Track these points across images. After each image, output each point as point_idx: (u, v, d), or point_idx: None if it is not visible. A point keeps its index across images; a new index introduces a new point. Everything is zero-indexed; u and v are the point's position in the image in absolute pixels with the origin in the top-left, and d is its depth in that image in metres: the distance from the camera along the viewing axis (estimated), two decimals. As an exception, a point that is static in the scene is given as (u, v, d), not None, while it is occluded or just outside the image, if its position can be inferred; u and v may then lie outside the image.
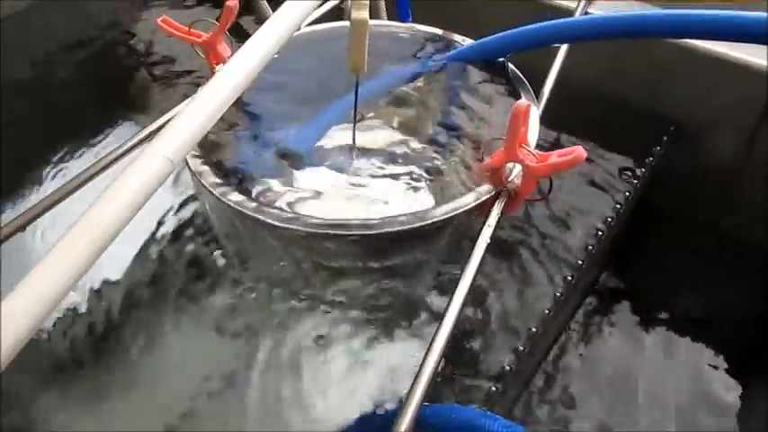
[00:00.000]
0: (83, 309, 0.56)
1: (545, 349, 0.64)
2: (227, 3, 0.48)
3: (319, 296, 0.48)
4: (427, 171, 0.44)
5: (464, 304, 0.37)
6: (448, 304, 0.36)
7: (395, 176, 0.44)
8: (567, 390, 0.64)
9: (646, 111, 0.67)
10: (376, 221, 0.39)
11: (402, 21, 0.58)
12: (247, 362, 0.49)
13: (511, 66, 0.52)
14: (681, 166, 0.68)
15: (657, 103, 0.67)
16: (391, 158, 0.45)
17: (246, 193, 0.41)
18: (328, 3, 0.62)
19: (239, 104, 0.49)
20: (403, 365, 0.48)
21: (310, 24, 0.57)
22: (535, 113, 0.47)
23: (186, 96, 0.42)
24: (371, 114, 0.49)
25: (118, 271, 0.57)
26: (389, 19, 0.60)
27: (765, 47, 0.58)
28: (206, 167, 0.43)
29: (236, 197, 0.40)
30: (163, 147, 0.27)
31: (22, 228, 0.44)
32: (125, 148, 0.48)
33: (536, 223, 0.57)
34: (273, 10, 0.39)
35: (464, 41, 0.54)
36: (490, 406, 0.46)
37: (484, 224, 0.40)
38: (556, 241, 0.55)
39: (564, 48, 0.55)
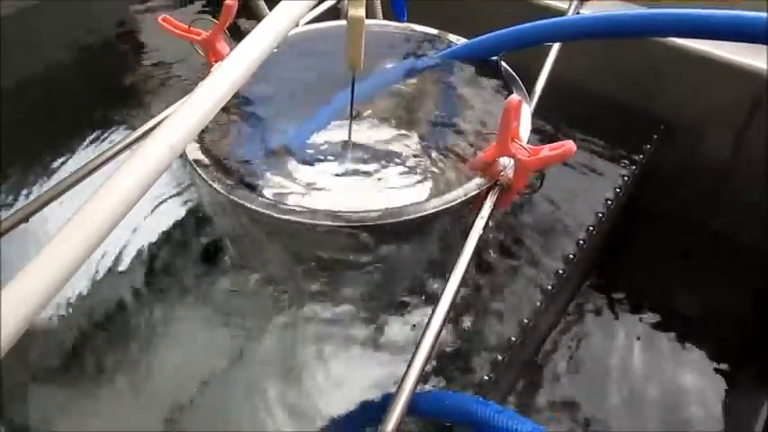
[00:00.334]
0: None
1: (536, 343, 0.65)
2: (226, 1, 0.49)
3: (313, 288, 0.48)
4: (422, 166, 0.45)
5: (456, 295, 0.38)
6: (440, 296, 0.37)
7: (390, 171, 0.45)
8: (556, 386, 0.65)
9: (636, 109, 0.68)
10: (370, 213, 0.40)
11: (398, 20, 0.59)
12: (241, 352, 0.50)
13: (504, 64, 0.53)
14: (671, 165, 0.70)
15: (648, 102, 0.68)
16: (386, 154, 0.46)
17: (243, 185, 0.42)
18: (325, 3, 0.63)
19: (238, 101, 0.50)
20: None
21: (308, 23, 0.58)
22: (527, 110, 0.48)
23: (185, 93, 0.43)
24: (368, 111, 0.50)
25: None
26: (385, 18, 0.61)
27: (754, 47, 0.60)
28: (204, 161, 0.44)
29: (232, 189, 0.41)
30: (166, 135, 0.28)
31: (24, 221, 0.45)
32: (125, 143, 0.49)
33: (528, 218, 0.58)
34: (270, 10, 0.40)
35: (458, 41, 0.56)
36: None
37: (477, 216, 0.41)
38: (548, 236, 0.57)
39: (555, 47, 0.57)
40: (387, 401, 0.33)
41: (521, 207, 0.59)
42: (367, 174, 0.44)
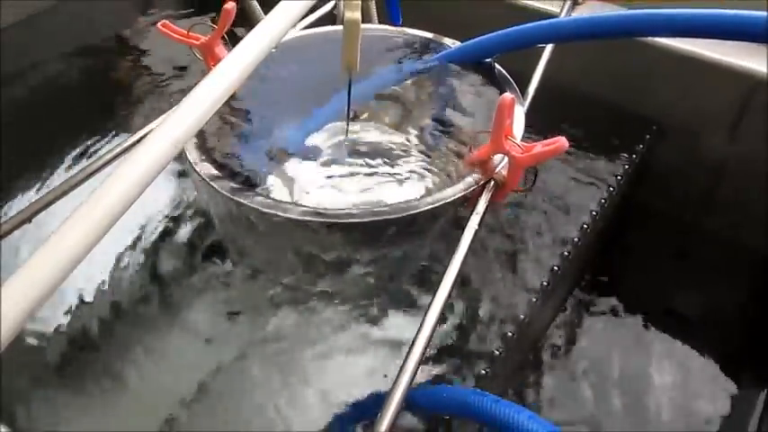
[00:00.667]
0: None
1: (532, 342, 0.65)
2: (225, 6, 0.50)
3: (312, 287, 0.49)
4: (417, 165, 0.46)
5: (452, 290, 0.38)
6: (435, 290, 0.38)
7: (386, 170, 0.46)
8: (551, 385, 0.66)
9: (628, 110, 0.69)
10: (367, 210, 0.41)
11: (393, 23, 0.60)
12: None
13: (497, 66, 0.54)
14: (664, 165, 0.71)
15: (639, 103, 0.69)
16: (382, 153, 0.47)
17: (242, 183, 0.43)
18: (322, 8, 0.64)
19: (236, 102, 0.50)
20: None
21: (305, 29, 0.59)
22: (520, 111, 0.49)
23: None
24: (364, 113, 0.51)
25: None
26: (380, 22, 0.62)
27: (744, 47, 0.61)
28: (204, 161, 0.44)
29: (231, 187, 0.42)
30: (169, 131, 0.28)
31: (23, 224, 0.45)
32: (123, 147, 0.49)
33: (523, 219, 0.59)
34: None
35: (453, 44, 0.56)
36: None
37: (472, 212, 0.42)
38: (543, 234, 0.57)
39: (548, 49, 0.58)
40: (382, 399, 0.33)
41: (517, 205, 0.60)
42: (363, 173, 0.45)
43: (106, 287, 0.59)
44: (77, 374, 0.54)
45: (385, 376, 0.49)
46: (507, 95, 0.41)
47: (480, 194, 0.43)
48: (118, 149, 0.49)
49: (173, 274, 0.57)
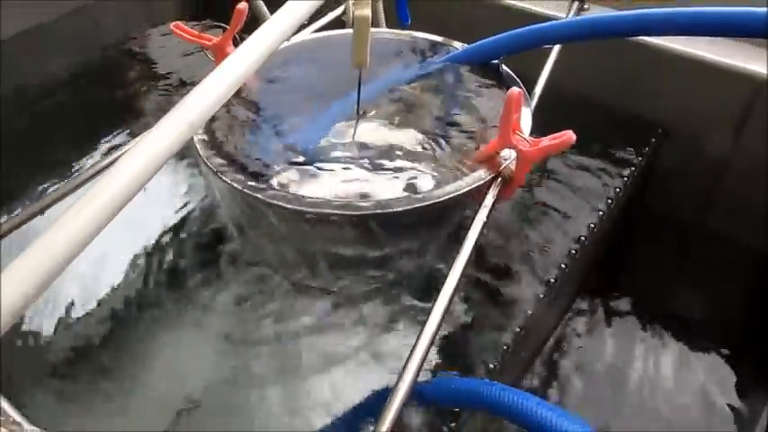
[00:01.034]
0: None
1: (539, 340, 0.65)
2: (237, 6, 0.51)
3: (321, 282, 0.50)
4: (426, 161, 0.46)
5: (459, 284, 0.39)
6: (443, 283, 0.38)
7: (395, 166, 0.46)
8: (558, 387, 0.66)
9: (634, 114, 0.70)
10: (377, 202, 0.41)
11: (402, 22, 0.61)
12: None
13: (504, 67, 0.54)
14: (669, 167, 0.71)
15: (645, 106, 0.69)
16: (391, 150, 0.48)
17: (254, 178, 0.43)
18: (330, 14, 0.65)
19: (248, 101, 0.51)
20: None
21: (315, 32, 0.61)
22: (527, 110, 0.49)
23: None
24: (374, 111, 0.51)
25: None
26: (388, 24, 0.64)
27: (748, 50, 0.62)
28: (216, 158, 0.45)
29: (242, 181, 0.43)
30: (184, 113, 0.29)
31: (23, 223, 0.45)
32: (127, 148, 0.50)
33: (532, 215, 0.60)
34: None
35: (461, 47, 0.57)
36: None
37: (480, 206, 0.42)
38: (551, 233, 0.58)
39: (554, 52, 0.59)
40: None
41: (525, 206, 0.61)
42: (373, 167, 0.46)
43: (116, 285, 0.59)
44: (85, 372, 0.54)
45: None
46: (514, 90, 0.42)
47: (488, 189, 0.44)
48: (122, 152, 0.49)
49: (183, 271, 0.58)
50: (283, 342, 0.53)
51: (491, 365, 0.46)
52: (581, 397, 0.66)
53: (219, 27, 0.54)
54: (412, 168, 0.46)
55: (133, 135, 0.80)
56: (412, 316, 0.52)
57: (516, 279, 0.53)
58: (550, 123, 0.62)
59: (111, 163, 0.48)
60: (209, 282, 0.57)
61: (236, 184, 0.43)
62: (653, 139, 0.67)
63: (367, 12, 0.44)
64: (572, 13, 0.64)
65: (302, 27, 0.61)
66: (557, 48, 0.59)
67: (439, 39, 0.59)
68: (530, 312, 0.51)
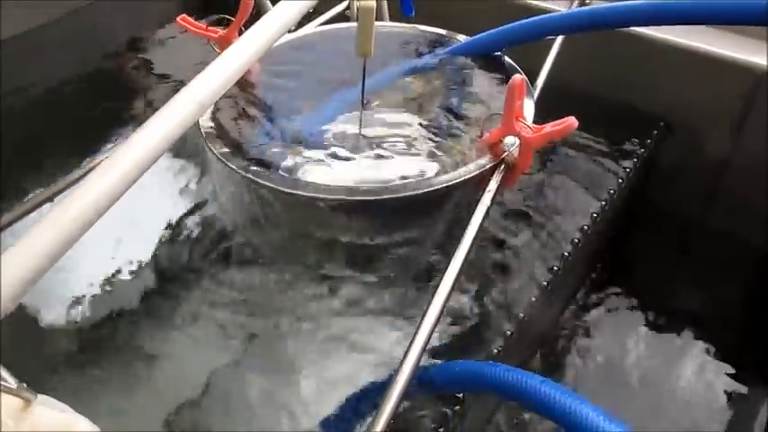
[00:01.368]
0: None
1: (540, 331, 0.66)
2: (244, -1, 0.52)
3: (328, 269, 0.50)
4: (430, 149, 0.47)
5: (464, 266, 0.39)
6: (446, 267, 0.38)
7: (400, 153, 0.47)
8: (556, 381, 0.66)
9: (636, 107, 0.70)
10: (381, 187, 0.42)
11: (405, 14, 0.62)
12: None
13: (507, 58, 0.55)
14: (671, 161, 0.72)
15: (647, 100, 0.70)
16: (396, 138, 0.48)
17: (259, 164, 0.44)
18: (334, 9, 0.66)
19: (254, 91, 0.52)
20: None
21: (320, 25, 0.61)
22: (530, 101, 0.50)
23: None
24: (378, 101, 0.52)
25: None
26: (392, 18, 0.64)
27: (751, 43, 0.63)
28: (222, 146, 0.46)
29: (248, 167, 0.43)
30: (194, 92, 0.30)
31: (23, 216, 0.46)
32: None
33: (536, 204, 0.60)
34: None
35: (465, 40, 0.58)
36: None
37: (484, 191, 0.43)
38: (554, 222, 0.59)
39: (556, 45, 0.59)
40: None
41: (530, 196, 0.62)
42: (377, 155, 0.46)
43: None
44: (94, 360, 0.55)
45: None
46: (517, 77, 0.42)
47: (491, 176, 0.44)
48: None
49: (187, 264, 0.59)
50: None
51: (494, 351, 0.47)
52: (579, 391, 0.66)
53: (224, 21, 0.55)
54: (416, 156, 0.46)
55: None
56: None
57: (520, 267, 0.54)
58: (553, 116, 0.63)
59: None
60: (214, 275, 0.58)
61: (241, 171, 0.43)
62: (655, 132, 0.68)
63: (372, 2, 0.45)
64: (575, 5, 0.64)
65: (306, 21, 0.62)
66: (558, 41, 0.60)
67: (443, 32, 0.60)
68: (534, 299, 0.51)
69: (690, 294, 0.74)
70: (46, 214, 0.27)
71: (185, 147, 0.66)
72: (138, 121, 0.85)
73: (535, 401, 0.35)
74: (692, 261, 0.77)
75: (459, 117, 0.50)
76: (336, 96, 0.51)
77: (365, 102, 0.51)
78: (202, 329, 0.56)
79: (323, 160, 0.45)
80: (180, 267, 0.59)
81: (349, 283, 0.52)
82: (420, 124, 0.49)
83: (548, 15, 0.52)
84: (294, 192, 0.42)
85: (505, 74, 0.54)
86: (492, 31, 0.55)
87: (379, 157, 0.46)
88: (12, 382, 0.25)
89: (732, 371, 0.69)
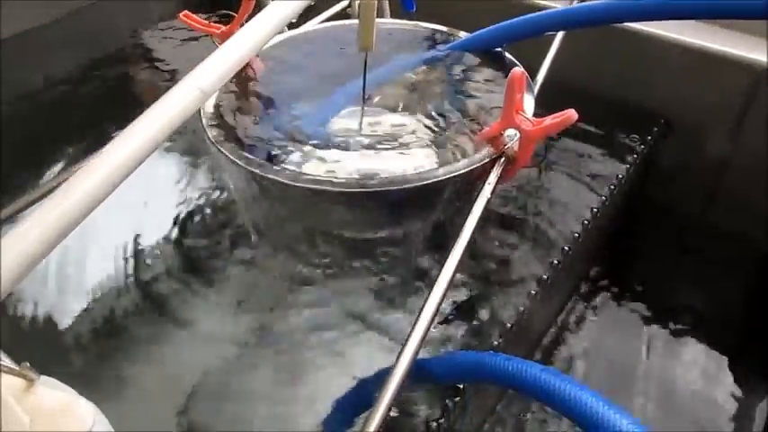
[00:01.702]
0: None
1: (540, 326, 0.66)
2: (246, -6, 0.52)
3: (332, 263, 0.50)
4: (431, 142, 0.47)
5: (464, 256, 0.39)
6: (446, 257, 0.38)
7: (401, 147, 0.47)
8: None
9: (636, 104, 0.70)
10: (381, 180, 0.42)
11: (406, 10, 0.62)
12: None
13: (507, 54, 0.55)
14: (671, 158, 0.72)
15: (647, 97, 0.70)
16: (397, 132, 0.48)
17: (262, 158, 0.44)
18: (336, 6, 0.66)
19: (256, 86, 0.52)
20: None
21: (322, 22, 0.62)
22: (530, 95, 0.50)
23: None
24: (380, 96, 0.52)
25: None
26: (393, 15, 0.65)
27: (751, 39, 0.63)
28: (226, 140, 0.46)
29: (251, 160, 0.44)
30: (197, 80, 0.30)
31: (23, 210, 0.46)
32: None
33: (537, 201, 0.61)
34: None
35: (465, 36, 0.58)
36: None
37: (484, 183, 0.43)
38: (555, 217, 0.59)
39: (557, 41, 0.59)
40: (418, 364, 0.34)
41: (530, 193, 0.62)
42: (378, 149, 0.47)
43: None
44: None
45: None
46: (517, 70, 0.43)
47: (492, 168, 0.44)
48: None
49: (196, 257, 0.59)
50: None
51: (495, 342, 0.47)
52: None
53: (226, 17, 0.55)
54: (416, 149, 0.47)
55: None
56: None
57: (518, 261, 0.54)
58: (553, 113, 0.63)
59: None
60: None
61: (243, 163, 0.44)
62: (655, 129, 0.68)
63: (372, -3, 0.45)
64: (575, 2, 0.65)
65: (308, 18, 0.62)
66: (559, 37, 0.60)
67: (444, 28, 0.60)
68: (534, 292, 0.51)
69: (689, 292, 0.74)
70: (45, 200, 0.27)
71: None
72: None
73: (536, 390, 0.35)
74: (691, 258, 0.77)
75: (459, 111, 0.50)
76: (338, 91, 0.52)
77: (367, 97, 0.51)
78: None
79: (324, 153, 0.46)
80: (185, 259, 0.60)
81: (350, 273, 0.52)
82: (421, 119, 0.49)
83: (548, 11, 0.52)
84: (296, 184, 0.43)
85: (506, 69, 0.54)
86: (492, 27, 0.55)
87: (381, 150, 0.46)
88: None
89: (732, 370, 0.69)
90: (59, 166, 0.76)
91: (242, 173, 0.44)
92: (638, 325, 0.72)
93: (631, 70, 0.71)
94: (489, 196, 0.43)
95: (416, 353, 0.34)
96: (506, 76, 0.52)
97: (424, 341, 0.35)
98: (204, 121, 0.48)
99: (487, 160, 0.44)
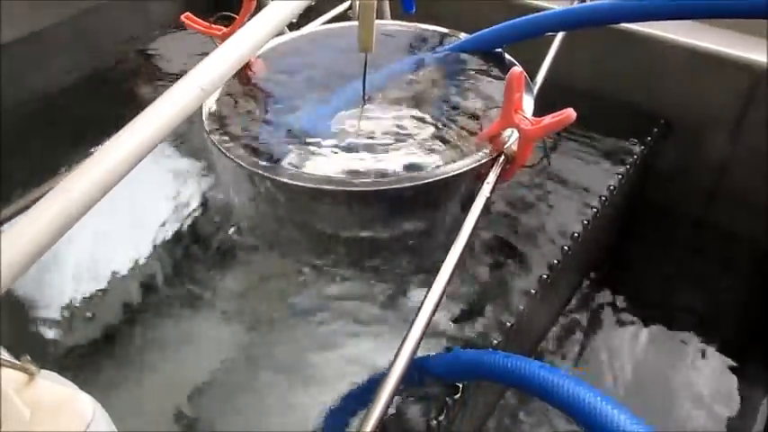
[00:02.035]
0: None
1: (540, 328, 0.66)
2: (247, -4, 0.52)
3: (332, 263, 0.50)
4: (431, 142, 0.47)
5: (463, 256, 0.39)
6: (445, 257, 0.39)
7: (400, 147, 0.47)
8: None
9: (636, 105, 0.70)
10: (381, 179, 0.42)
11: (406, 11, 0.62)
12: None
13: (507, 55, 0.55)
14: (671, 158, 0.72)
15: (647, 98, 0.70)
16: (397, 132, 0.49)
17: (261, 158, 0.44)
18: (337, 9, 0.67)
19: (257, 87, 0.53)
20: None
21: (322, 24, 0.62)
22: (529, 95, 0.50)
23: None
24: (380, 97, 0.52)
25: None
26: (393, 17, 0.65)
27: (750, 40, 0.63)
28: (227, 141, 0.46)
29: (251, 160, 0.44)
30: (197, 78, 0.30)
31: (23, 210, 0.46)
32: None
33: (537, 201, 0.61)
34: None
35: (465, 37, 0.58)
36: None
37: (483, 182, 0.43)
38: (555, 217, 0.59)
39: (556, 42, 0.60)
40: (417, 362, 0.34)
41: (530, 191, 0.62)
42: (378, 148, 0.47)
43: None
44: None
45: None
46: (516, 69, 0.43)
47: (491, 168, 0.45)
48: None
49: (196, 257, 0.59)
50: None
51: (494, 343, 0.47)
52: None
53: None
54: (416, 149, 0.47)
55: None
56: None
57: (518, 260, 0.54)
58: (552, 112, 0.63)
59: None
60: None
61: (243, 163, 0.44)
62: (655, 129, 0.68)
63: (372, -1, 0.46)
64: (575, 2, 0.65)
65: (309, 20, 0.63)
66: (558, 38, 0.60)
67: (444, 30, 0.60)
68: (533, 292, 0.51)
69: (689, 292, 0.74)
70: (46, 196, 0.27)
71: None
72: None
73: (535, 387, 0.35)
74: (691, 258, 0.77)
75: (459, 111, 0.50)
76: (339, 92, 0.52)
77: (367, 97, 0.51)
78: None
79: (325, 153, 0.46)
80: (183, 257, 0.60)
81: (349, 273, 0.52)
82: (421, 119, 0.50)
83: (548, 12, 0.52)
84: (295, 183, 0.43)
85: (505, 70, 0.54)
86: (492, 27, 0.55)
87: (381, 150, 0.47)
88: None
89: (732, 369, 0.69)
90: (60, 167, 0.76)
91: (242, 173, 0.45)
92: (637, 324, 0.72)
93: (631, 71, 0.71)
94: (488, 195, 0.43)
95: (414, 352, 0.34)
96: (505, 76, 0.53)
97: (422, 339, 0.35)
98: (205, 121, 0.48)
99: (487, 159, 0.44)
